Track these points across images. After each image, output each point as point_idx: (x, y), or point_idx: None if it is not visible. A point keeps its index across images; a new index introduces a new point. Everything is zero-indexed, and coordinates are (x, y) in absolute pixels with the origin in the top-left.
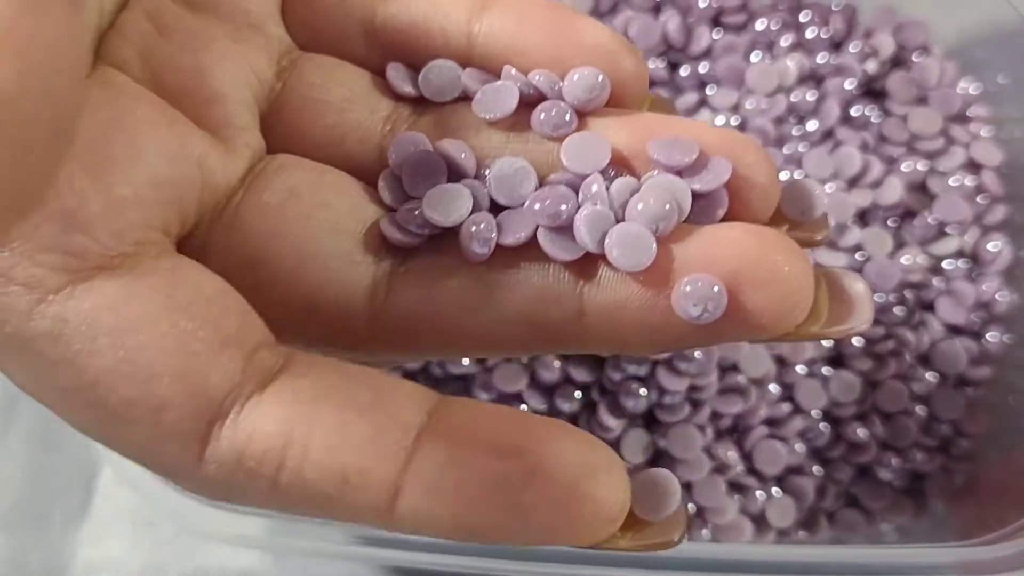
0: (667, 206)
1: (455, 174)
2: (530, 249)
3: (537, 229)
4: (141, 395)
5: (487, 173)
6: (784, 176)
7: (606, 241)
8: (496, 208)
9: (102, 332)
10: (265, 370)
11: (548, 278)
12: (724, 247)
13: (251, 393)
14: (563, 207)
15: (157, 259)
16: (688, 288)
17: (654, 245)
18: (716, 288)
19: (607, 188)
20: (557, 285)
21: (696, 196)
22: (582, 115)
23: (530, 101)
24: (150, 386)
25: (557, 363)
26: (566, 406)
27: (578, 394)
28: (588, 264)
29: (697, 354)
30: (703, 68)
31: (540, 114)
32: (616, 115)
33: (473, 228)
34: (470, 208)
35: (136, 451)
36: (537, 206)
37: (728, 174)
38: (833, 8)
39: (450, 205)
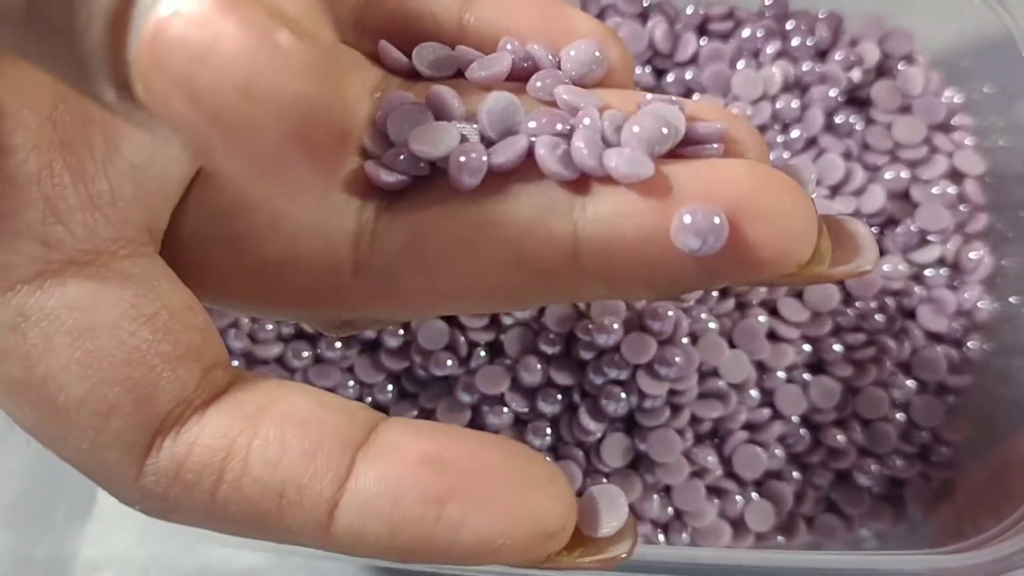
0: (664, 130)
1: (444, 119)
2: (522, 182)
3: (533, 147)
4: (90, 399)
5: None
6: None
7: (604, 158)
8: (487, 146)
9: (61, 330)
10: (216, 387)
11: (541, 212)
12: (725, 178)
13: (198, 408)
14: (559, 125)
15: (131, 260)
16: (687, 219)
17: (651, 162)
18: (717, 219)
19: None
20: (550, 220)
21: (691, 142)
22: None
23: (525, 75)
24: (100, 392)
25: (539, 365)
26: (548, 408)
27: (559, 397)
28: (582, 192)
29: (677, 359)
30: (689, 75)
31: (536, 81)
32: (610, 90)
33: (462, 158)
34: (458, 140)
35: (76, 455)
36: (533, 124)
37: (723, 125)
38: (819, 16)
39: (438, 137)
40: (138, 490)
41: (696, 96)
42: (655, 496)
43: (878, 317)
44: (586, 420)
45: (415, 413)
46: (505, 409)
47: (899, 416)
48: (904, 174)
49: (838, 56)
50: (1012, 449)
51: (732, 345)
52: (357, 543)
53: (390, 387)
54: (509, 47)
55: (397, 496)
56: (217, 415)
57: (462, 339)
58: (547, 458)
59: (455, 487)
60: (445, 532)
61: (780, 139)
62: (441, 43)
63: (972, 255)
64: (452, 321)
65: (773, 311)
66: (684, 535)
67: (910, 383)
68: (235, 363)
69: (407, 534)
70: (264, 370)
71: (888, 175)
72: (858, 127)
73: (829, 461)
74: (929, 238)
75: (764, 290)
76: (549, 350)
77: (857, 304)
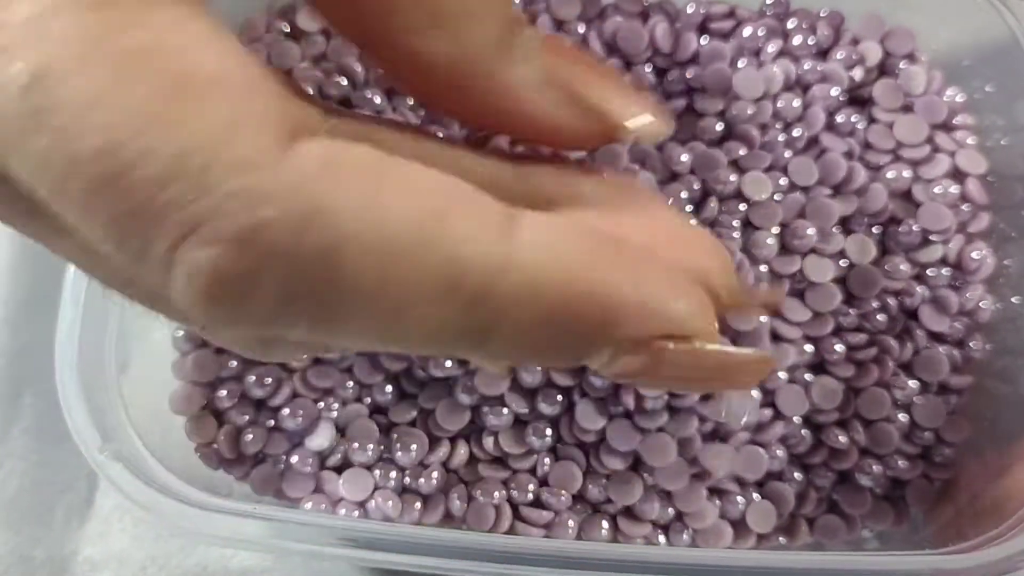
0: None
1: None
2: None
3: None
4: (230, 71)
5: None
6: (769, 182)
7: None
8: None
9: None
10: (344, 132)
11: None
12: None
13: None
14: None
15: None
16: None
17: None
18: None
19: None
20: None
21: None
22: None
23: None
24: (239, 64)
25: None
26: (548, 409)
27: (559, 397)
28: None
29: None
30: (690, 74)
31: None
32: None
33: None
34: None
35: (203, 127)
36: None
37: None
38: (820, 15)
39: None
40: (281, 171)
41: (698, 95)
42: (656, 497)
43: (880, 317)
44: (586, 421)
45: (414, 414)
46: (505, 410)
47: (901, 416)
48: (906, 173)
49: (839, 55)
50: (1014, 450)
51: (734, 345)
52: (538, 271)
53: (389, 388)
54: None
55: (580, 232)
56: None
57: None
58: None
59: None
60: (627, 272)
61: (782, 138)
62: None
63: (975, 255)
64: None
65: (775, 311)
66: (685, 536)
67: (912, 383)
68: (232, 363)
69: (587, 268)
70: (263, 371)
71: (890, 174)
72: (860, 126)
73: (831, 462)
74: (931, 238)
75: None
76: None
77: (859, 304)
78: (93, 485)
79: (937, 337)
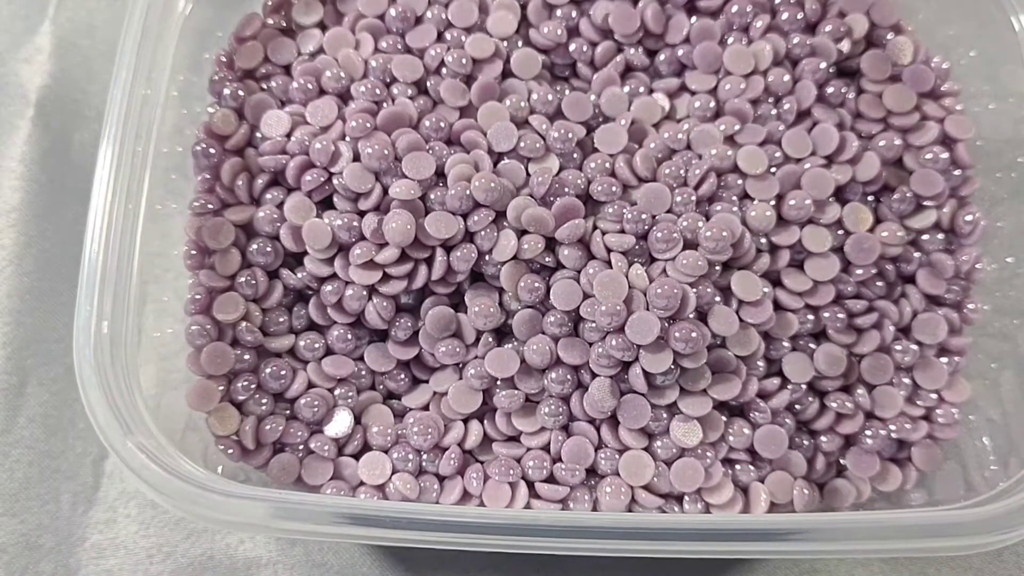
0: None
1: None
2: None
3: None
4: None
5: None
6: (764, 155)
7: None
8: None
9: None
10: None
11: None
12: None
13: None
14: None
15: None
16: None
17: None
18: None
19: None
20: None
21: None
22: None
23: None
24: None
25: (548, 347)
26: (558, 389)
27: (569, 377)
28: None
29: (693, 333)
30: (680, 52)
31: None
32: None
33: None
34: None
35: None
36: None
37: None
38: None
39: None
40: None
41: (689, 73)
42: (669, 468)
43: (878, 283)
44: (597, 399)
45: (427, 398)
46: (516, 391)
47: (904, 380)
48: (897, 141)
49: (827, 28)
50: (1016, 408)
51: (740, 318)
52: None
53: (402, 375)
54: None
55: None
56: None
57: (469, 325)
58: None
59: None
60: None
61: (773, 112)
62: None
63: (967, 218)
64: (458, 308)
65: (777, 282)
66: (699, 505)
67: (913, 347)
68: (246, 356)
69: None
70: (278, 362)
71: (881, 143)
72: (849, 97)
73: (837, 426)
74: (924, 203)
75: (767, 261)
76: (557, 331)
77: (857, 272)
78: (99, 472)
79: (935, 300)
